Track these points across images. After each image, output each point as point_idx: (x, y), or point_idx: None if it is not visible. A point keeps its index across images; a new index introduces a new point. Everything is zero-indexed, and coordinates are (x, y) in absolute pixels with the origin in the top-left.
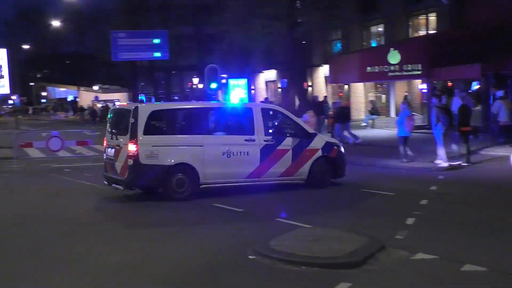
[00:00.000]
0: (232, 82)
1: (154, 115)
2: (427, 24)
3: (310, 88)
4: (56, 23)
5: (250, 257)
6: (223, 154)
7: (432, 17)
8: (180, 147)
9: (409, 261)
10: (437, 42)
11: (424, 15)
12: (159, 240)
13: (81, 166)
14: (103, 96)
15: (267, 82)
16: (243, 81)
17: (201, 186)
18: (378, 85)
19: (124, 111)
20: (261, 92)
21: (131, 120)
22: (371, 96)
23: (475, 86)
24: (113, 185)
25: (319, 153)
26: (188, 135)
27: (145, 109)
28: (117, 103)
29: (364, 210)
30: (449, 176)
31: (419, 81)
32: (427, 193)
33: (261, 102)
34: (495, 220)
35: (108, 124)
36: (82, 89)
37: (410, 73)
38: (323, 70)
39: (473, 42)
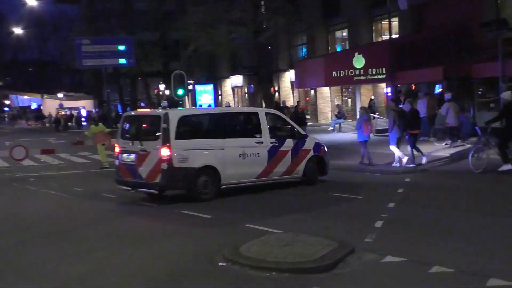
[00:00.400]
0: (198, 88)
1: (182, 120)
2: (390, 28)
3: (276, 94)
4: (17, 30)
5: (220, 264)
6: (239, 156)
7: (395, 22)
8: (206, 150)
9: (379, 264)
10: (400, 46)
11: (387, 20)
12: (122, 249)
13: (46, 175)
14: (68, 104)
15: (233, 88)
16: (209, 87)
17: (221, 187)
18: (344, 89)
19: (150, 117)
20: (228, 97)
21: (163, 125)
22: (337, 100)
23: (438, 89)
24: (139, 189)
25: (311, 152)
26: (212, 139)
27: (175, 114)
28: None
29: (333, 213)
30: (415, 179)
31: (383, 84)
32: (394, 196)
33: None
34: (462, 222)
35: (121, 130)
36: (46, 96)
37: (375, 77)
38: (290, 75)
39: (434, 45)
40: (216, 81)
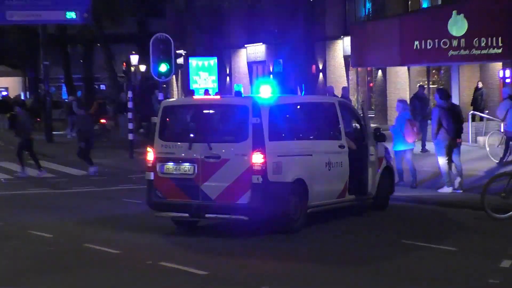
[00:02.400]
0: (194, 62)
1: (275, 112)
2: None
3: (321, 74)
4: None
5: None
6: (325, 166)
7: None
8: (296, 157)
9: None
10: None
11: None
12: None
13: None
14: None
15: (251, 64)
16: (212, 61)
17: (308, 211)
18: (434, 71)
19: (224, 108)
20: (242, 78)
21: (254, 120)
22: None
23: None
24: (208, 216)
25: (384, 162)
26: (301, 141)
27: (266, 104)
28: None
29: None
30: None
31: (498, 65)
32: (495, 245)
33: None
34: None
35: (159, 126)
36: None
37: (485, 51)
38: (342, 46)
39: None
40: (224, 52)
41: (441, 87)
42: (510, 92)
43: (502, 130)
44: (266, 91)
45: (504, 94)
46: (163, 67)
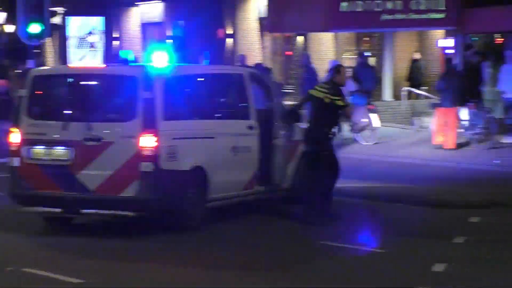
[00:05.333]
0: (74, 22)
1: (169, 86)
2: None
3: (231, 40)
4: None
5: None
6: (231, 151)
7: None
8: (195, 140)
9: None
10: None
11: None
12: None
13: None
14: None
15: (145, 26)
16: (96, 21)
17: (208, 205)
18: (366, 38)
19: (106, 79)
20: (134, 43)
21: (145, 94)
22: (347, 59)
23: None
24: (85, 211)
25: (301, 147)
26: (201, 120)
27: (160, 74)
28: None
29: None
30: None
31: (439, 33)
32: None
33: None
34: None
35: (27, 103)
36: None
37: (425, 16)
38: (257, 6)
39: None
40: (111, 11)
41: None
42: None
43: None
44: (161, 59)
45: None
46: (34, 28)
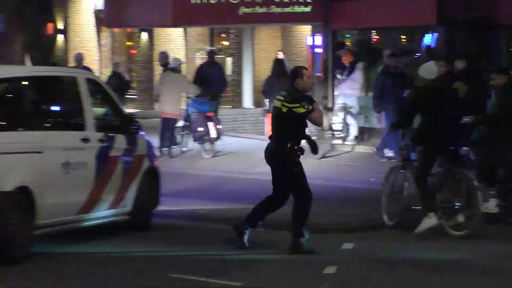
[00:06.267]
0: None
1: None
2: None
3: (62, 36)
4: None
5: None
6: (62, 167)
7: None
8: (22, 155)
9: None
10: None
11: None
12: None
13: None
14: None
15: None
16: None
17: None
18: (222, 34)
19: None
20: None
21: None
22: (200, 59)
23: (430, 42)
24: None
25: (146, 162)
26: (31, 131)
27: None
28: None
29: None
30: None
31: (306, 29)
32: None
33: None
34: None
35: None
36: None
37: (289, 10)
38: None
39: None
40: None
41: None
42: None
43: None
44: None
45: None
46: None
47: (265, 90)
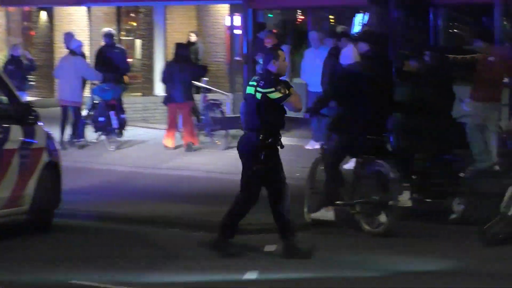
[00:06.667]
0: None
1: None
2: None
3: None
4: None
5: None
6: None
7: None
8: None
9: None
10: None
11: None
12: None
13: None
14: None
15: None
16: None
17: None
18: (131, 14)
19: None
20: None
21: None
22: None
23: (359, 21)
24: None
25: (45, 156)
26: None
27: None
28: None
29: None
30: None
31: (225, 8)
32: None
33: None
34: None
35: None
36: None
37: None
38: None
39: None
40: None
41: None
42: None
43: None
44: None
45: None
46: None
47: (164, 77)
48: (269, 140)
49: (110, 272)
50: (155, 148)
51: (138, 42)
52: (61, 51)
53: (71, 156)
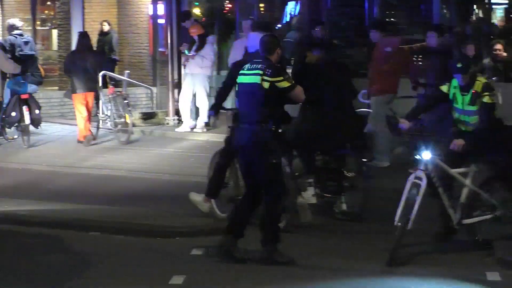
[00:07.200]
0: None
1: None
2: None
3: None
4: None
5: None
6: None
7: None
8: None
9: None
10: None
11: None
12: None
13: None
14: None
15: None
16: None
17: None
18: (47, 2)
19: None
20: None
21: None
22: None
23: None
24: None
25: None
26: None
27: None
28: None
29: None
30: None
31: None
32: None
33: None
34: None
35: None
36: None
37: None
38: None
39: None
40: None
41: None
42: None
43: None
44: None
45: None
46: None
47: (67, 68)
48: (279, 131)
49: (22, 283)
50: (73, 145)
51: (54, 33)
52: None
53: None
